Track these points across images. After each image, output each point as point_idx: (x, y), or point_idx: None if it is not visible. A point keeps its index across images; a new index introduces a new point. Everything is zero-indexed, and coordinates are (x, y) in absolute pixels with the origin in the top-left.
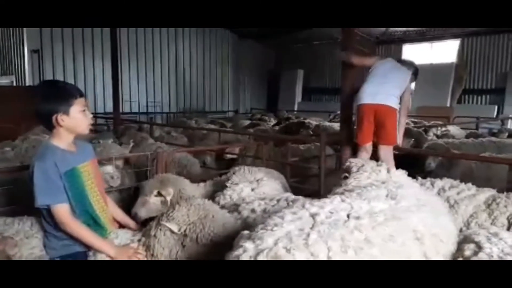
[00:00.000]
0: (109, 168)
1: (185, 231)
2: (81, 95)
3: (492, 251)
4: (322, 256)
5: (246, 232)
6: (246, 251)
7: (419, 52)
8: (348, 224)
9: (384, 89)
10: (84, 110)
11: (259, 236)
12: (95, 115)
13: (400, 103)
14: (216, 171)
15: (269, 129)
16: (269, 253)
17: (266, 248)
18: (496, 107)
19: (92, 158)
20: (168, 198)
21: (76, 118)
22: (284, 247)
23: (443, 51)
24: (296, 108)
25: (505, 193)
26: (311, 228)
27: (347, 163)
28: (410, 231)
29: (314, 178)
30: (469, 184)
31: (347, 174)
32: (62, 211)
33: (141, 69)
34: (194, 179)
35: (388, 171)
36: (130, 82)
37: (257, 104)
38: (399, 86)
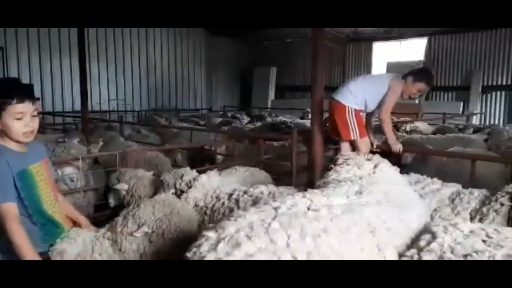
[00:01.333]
0: (69, 170)
1: (152, 228)
2: (21, 100)
3: (444, 240)
4: (281, 243)
5: (211, 224)
6: (208, 239)
7: (388, 50)
8: (308, 215)
9: (345, 87)
10: (20, 118)
11: (221, 226)
12: (63, 114)
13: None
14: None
15: (244, 127)
16: (230, 240)
17: (228, 236)
18: (461, 103)
19: (44, 158)
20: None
21: (6, 126)
22: (245, 235)
23: (411, 49)
24: (269, 105)
25: (469, 188)
26: (273, 219)
27: (338, 155)
28: (365, 224)
29: (287, 175)
30: (435, 179)
31: (332, 165)
32: (8, 209)
33: (111, 67)
34: None
35: (376, 166)
36: (99, 80)
37: (231, 102)
38: (364, 87)
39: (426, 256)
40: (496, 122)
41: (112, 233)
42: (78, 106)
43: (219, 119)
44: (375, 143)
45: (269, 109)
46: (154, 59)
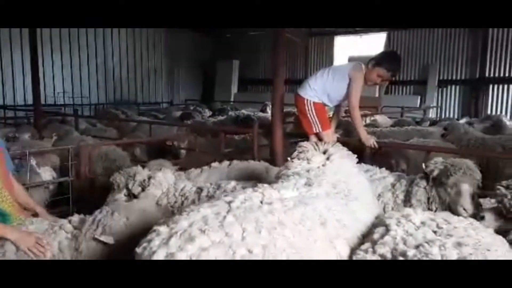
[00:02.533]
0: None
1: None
2: None
3: (397, 232)
4: (237, 236)
5: (161, 220)
6: (159, 234)
7: (350, 44)
8: (262, 208)
9: (305, 81)
10: None
11: (173, 220)
12: (14, 108)
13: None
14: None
15: (206, 120)
16: (183, 234)
17: (180, 230)
18: (419, 97)
19: None
20: None
21: None
22: (199, 229)
23: (371, 44)
24: (232, 99)
25: (411, 175)
26: (227, 212)
27: (297, 147)
28: (316, 216)
29: None
30: (383, 169)
31: (289, 158)
32: None
33: (66, 58)
34: None
35: (328, 158)
36: (53, 73)
37: (193, 96)
38: (324, 81)
39: (380, 249)
40: (451, 115)
41: (76, 229)
42: (30, 99)
43: (180, 113)
44: (335, 136)
45: (231, 103)
46: (111, 51)
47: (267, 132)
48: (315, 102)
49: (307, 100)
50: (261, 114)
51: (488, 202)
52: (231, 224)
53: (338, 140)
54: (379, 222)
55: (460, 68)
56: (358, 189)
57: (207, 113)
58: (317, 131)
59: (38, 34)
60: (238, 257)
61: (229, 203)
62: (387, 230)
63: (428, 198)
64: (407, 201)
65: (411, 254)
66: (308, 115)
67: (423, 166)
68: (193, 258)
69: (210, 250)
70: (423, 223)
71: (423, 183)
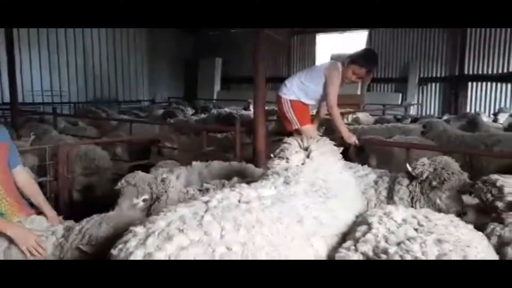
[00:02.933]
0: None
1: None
2: None
3: (378, 230)
4: (216, 235)
5: (138, 221)
6: (136, 234)
7: (331, 42)
8: (240, 207)
9: (284, 81)
10: None
11: (150, 220)
12: None
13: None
14: (129, 163)
15: (189, 118)
16: (161, 234)
17: (158, 230)
18: (400, 95)
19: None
20: None
21: None
22: (177, 228)
23: (353, 42)
24: (215, 97)
25: (393, 172)
26: (205, 212)
27: (281, 144)
28: (294, 213)
29: None
30: (365, 166)
31: (272, 155)
32: None
33: (44, 55)
34: (104, 173)
35: (308, 155)
36: (31, 70)
37: (175, 93)
38: (301, 80)
39: (362, 247)
40: (432, 112)
41: (63, 238)
42: (7, 97)
43: (162, 111)
44: (316, 132)
45: (214, 101)
46: (91, 48)
47: (249, 130)
48: (292, 99)
49: (284, 98)
50: (244, 112)
51: (470, 199)
52: (210, 223)
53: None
54: (361, 220)
55: (440, 66)
56: (338, 186)
57: (190, 111)
58: (296, 127)
59: (14, 30)
60: (217, 255)
61: (207, 202)
62: (369, 228)
63: (412, 197)
64: (390, 198)
65: (392, 251)
66: (286, 113)
67: (408, 167)
68: (172, 258)
69: (189, 248)
70: (404, 220)
71: (405, 181)
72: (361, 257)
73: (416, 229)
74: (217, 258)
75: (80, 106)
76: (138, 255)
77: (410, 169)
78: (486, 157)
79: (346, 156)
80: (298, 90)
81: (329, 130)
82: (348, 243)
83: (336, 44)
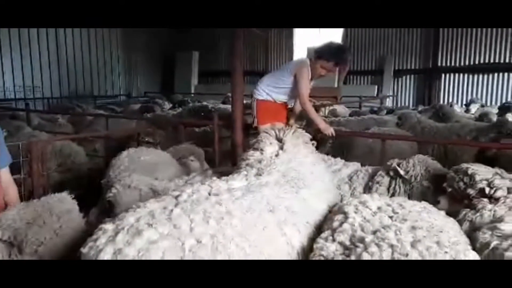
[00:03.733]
0: None
1: (9, 238)
2: None
3: (354, 219)
4: (185, 228)
5: (107, 219)
6: (105, 231)
7: (309, 36)
8: (210, 200)
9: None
10: None
11: (119, 217)
12: None
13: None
14: (105, 159)
15: (166, 113)
16: (130, 229)
17: (127, 226)
18: (376, 87)
19: None
20: None
21: None
22: (146, 223)
23: (330, 35)
24: (193, 90)
25: (367, 166)
26: (174, 206)
27: (259, 135)
28: (265, 203)
29: (211, 161)
30: (338, 159)
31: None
32: None
33: (16, 50)
34: (80, 169)
35: (282, 147)
36: (2, 66)
37: (152, 87)
38: (270, 80)
39: (339, 237)
40: (407, 104)
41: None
42: None
43: (138, 106)
44: (295, 126)
45: (192, 95)
46: (64, 41)
47: (228, 124)
48: (259, 99)
49: (253, 98)
50: (222, 105)
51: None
52: (179, 216)
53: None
54: (338, 210)
55: (414, 59)
56: (311, 178)
57: (167, 105)
58: (255, 125)
59: None
60: (187, 247)
61: (176, 197)
62: (346, 217)
63: (393, 193)
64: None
65: (369, 240)
66: (252, 111)
67: (400, 170)
68: (142, 252)
69: (158, 242)
70: (379, 208)
71: (385, 181)
72: (338, 247)
73: (391, 217)
74: (186, 251)
75: (54, 101)
76: (108, 252)
77: (402, 172)
78: (459, 147)
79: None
80: (269, 89)
81: (309, 123)
82: (326, 233)
83: (313, 37)
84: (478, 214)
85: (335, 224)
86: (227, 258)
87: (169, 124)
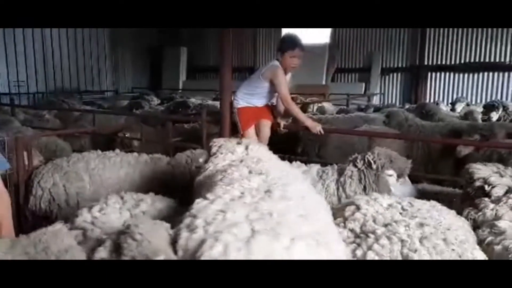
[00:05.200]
0: None
1: None
2: None
3: (367, 211)
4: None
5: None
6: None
7: (296, 33)
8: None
9: None
10: None
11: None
12: None
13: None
14: None
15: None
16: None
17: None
18: (363, 84)
19: None
20: None
21: None
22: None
23: (317, 33)
24: (181, 86)
25: (333, 164)
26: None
27: (210, 144)
28: (299, 197)
29: None
30: (298, 162)
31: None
32: None
33: (0, 45)
34: None
35: (246, 147)
36: None
37: (139, 83)
38: (245, 87)
39: (351, 224)
40: (394, 101)
41: None
42: None
43: (126, 102)
44: (282, 123)
45: (180, 91)
46: (50, 36)
47: (216, 120)
48: (239, 107)
49: (233, 107)
50: (210, 102)
51: (429, 187)
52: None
53: (286, 127)
54: (348, 202)
55: (401, 56)
56: (287, 176)
57: (156, 101)
58: (241, 132)
59: None
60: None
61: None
62: (358, 208)
63: (364, 187)
64: (340, 191)
65: (380, 232)
66: (234, 119)
67: (371, 160)
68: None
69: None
70: (390, 205)
71: (355, 174)
72: (349, 234)
73: (400, 213)
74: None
75: (40, 96)
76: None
77: (374, 165)
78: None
79: (294, 149)
80: (247, 97)
81: (295, 120)
82: (338, 220)
83: (301, 34)
84: (480, 213)
85: (347, 213)
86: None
87: (157, 121)
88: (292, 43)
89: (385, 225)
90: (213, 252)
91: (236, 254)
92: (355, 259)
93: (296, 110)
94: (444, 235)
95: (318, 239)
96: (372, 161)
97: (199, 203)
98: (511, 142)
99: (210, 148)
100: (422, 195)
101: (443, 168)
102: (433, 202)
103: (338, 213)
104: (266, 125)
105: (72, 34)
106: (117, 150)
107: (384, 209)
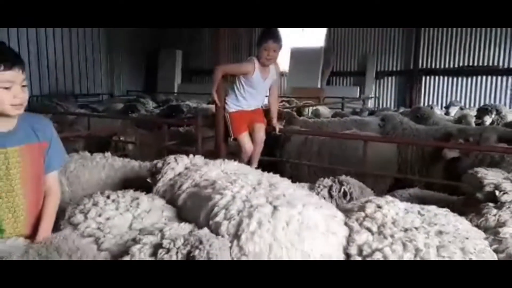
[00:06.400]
0: None
1: None
2: (9, 67)
3: (389, 212)
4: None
5: None
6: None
7: (292, 36)
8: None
9: None
10: (8, 88)
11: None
12: None
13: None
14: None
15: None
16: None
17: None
18: (358, 88)
19: (34, 143)
20: None
21: None
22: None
23: (313, 36)
24: (176, 90)
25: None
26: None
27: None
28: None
29: None
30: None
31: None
32: None
33: None
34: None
35: (188, 156)
36: None
37: (135, 86)
38: (232, 91)
39: (368, 223)
40: (388, 105)
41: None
42: None
43: (121, 105)
44: (278, 127)
45: (175, 94)
46: (45, 38)
47: (212, 124)
48: (231, 112)
49: (225, 111)
50: (205, 105)
51: (418, 191)
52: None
53: (281, 131)
54: (368, 200)
55: (396, 60)
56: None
57: (151, 104)
58: (232, 136)
59: None
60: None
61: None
62: (379, 207)
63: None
64: None
65: (397, 236)
66: (225, 124)
67: (347, 189)
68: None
69: None
70: (406, 210)
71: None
72: (364, 230)
73: (418, 218)
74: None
75: (34, 99)
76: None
77: (348, 196)
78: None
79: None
80: (237, 99)
81: (288, 122)
82: (357, 214)
83: (296, 37)
84: (483, 218)
85: (369, 210)
86: None
87: (153, 124)
88: (265, 36)
89: (405, 230)
90: (251, 228)
91: (268, 226)
92: (361, 254)
93: (215, 77)
94: (462, 244)
95: (321, 205)
96: (348, 192)
97: (223, 198)
98: (500, 146)
99: (155, 164)
100: (415, 200)
101: (434, 172)
102: (446, 209)
103: (357, 209)
104: (260, 129)
105: (67, 36)
106: (108, 153)
107: (404, 212)
